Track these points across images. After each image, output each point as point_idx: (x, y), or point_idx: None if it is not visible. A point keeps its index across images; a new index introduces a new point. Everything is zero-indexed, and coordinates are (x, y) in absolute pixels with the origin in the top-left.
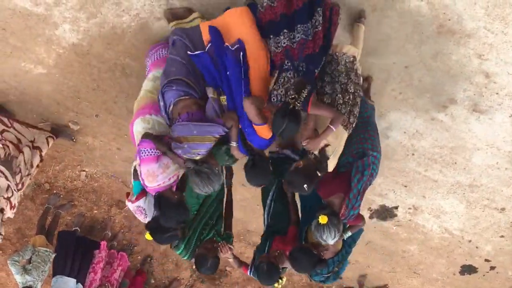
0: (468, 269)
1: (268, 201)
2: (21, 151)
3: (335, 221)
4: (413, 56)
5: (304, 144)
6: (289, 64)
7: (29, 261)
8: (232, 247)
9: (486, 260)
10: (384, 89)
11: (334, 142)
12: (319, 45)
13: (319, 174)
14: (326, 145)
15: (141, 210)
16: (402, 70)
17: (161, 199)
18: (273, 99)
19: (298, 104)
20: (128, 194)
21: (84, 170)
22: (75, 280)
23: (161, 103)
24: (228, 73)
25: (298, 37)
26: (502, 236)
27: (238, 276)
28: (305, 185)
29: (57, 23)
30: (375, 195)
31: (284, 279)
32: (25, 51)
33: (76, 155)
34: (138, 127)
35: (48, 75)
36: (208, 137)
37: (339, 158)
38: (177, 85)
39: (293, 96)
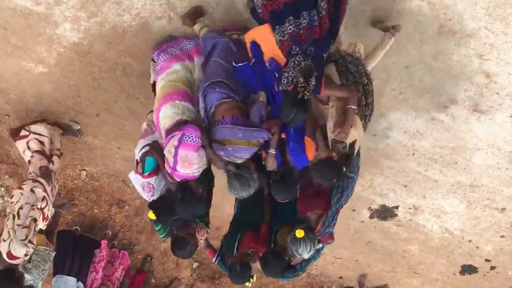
0: (468, 269)
1: None
2: (51, 161)
3: (311, 235)
4: (413, 56)
5: (335, 134)
6: (297, 49)
7: (29, 260)
8: (208, 231)
9: (487, 260)
10: (385, 89)
11: (359, 139)
12: (325, 29)
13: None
14: (355, 140)
15: (150, 188)
16: (403, 70)
17: (186, 188)
18: (284, 80)
19: (308, 93)
20: (137, 165)
21: (84, 169)
22: (76, 279)
23: (202, 105)
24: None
25: (304, 23)
26: (502, 236)
27: None
28: (335, 179)
29: (58, 22)
30: (376, 194)
31: (255, 277)
32: (26, 50)
33: (77, 154)
34: (168, 111)
35: (49, 74)
36: (253, 142)
37: None
38: (220, 88)
39: (302, 85)
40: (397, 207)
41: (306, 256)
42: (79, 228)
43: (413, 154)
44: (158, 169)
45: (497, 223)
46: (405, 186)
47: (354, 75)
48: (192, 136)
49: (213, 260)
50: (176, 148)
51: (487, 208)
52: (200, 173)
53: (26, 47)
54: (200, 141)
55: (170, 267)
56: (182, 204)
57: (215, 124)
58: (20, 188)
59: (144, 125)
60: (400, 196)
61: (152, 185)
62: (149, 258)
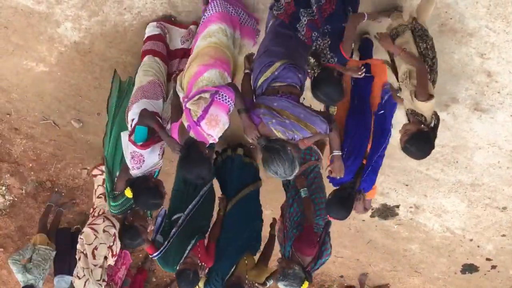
0: (469, 268)
1: (204, 190)
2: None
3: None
4: None
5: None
6: (316, 33)
7: (30, 260)
8: (152, 228)
9: (487, 259)
10: None
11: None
12: (335, 2)
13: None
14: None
15: (140, 159)
16: None
17: (193, 145)
18: (309, 69)
19: (315, 70)
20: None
21: (85, 168)
22: None
23: (276, 72)
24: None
25: (314, 7)
26: (503, 235)
27: None
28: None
29: (59, 21)
30: (377, 194)
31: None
32: (27, 49)
33: (78, 153)
34: (214, 78)
35: (50, 73)
36: (311, 127)
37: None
38: (303, 76)
39: (316, 64)
40: (398, 206)
41: None
42: (80, 227)
43: None
44: (151, 142)
45: (498, 222)
46: (406, 185)
47: (431, 49)
48: (225, 96)
49: (153, 255)
50: (210, 103)
51: (488, 207)
52: (212, 141)
53: (27, 46)
54: (232, 103)
55: None
56: (187, 162)
57: (277, 93)
58: (92, 228)
59: (155, 27)
60: (401, 195)
61: (143, 157)
62: (150, 257)
